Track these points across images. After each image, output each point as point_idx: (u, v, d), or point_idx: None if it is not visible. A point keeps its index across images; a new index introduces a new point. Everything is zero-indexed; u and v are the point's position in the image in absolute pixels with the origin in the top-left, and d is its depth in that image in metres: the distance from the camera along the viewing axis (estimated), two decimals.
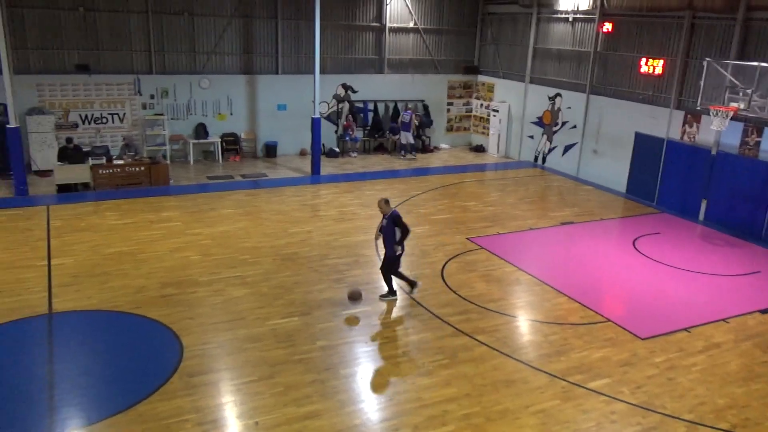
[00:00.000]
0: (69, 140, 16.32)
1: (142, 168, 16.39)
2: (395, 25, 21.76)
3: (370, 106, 21.92)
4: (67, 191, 15.55)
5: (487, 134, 22.81)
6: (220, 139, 19.63)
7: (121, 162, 16.37)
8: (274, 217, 14.29)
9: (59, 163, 15.71)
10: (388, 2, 21.36)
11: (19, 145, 15.03)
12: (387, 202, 10.06)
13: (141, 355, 8.43)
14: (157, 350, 8.55)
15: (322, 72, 17.95)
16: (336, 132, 21.53)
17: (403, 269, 10.41)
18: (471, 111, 23.77)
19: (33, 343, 8.61)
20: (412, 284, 10.33)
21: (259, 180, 17.68)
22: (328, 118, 21.13)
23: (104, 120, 18.31)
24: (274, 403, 7.39)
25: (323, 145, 20.15)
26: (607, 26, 17.72)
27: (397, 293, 10.38)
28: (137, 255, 11.76)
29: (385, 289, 10.32)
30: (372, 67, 21.84)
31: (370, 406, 7.48)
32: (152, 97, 18.76)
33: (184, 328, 9.06)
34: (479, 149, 22.96)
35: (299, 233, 13.27)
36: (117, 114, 18.43)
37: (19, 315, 9.25)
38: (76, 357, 8.29)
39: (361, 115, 21.77)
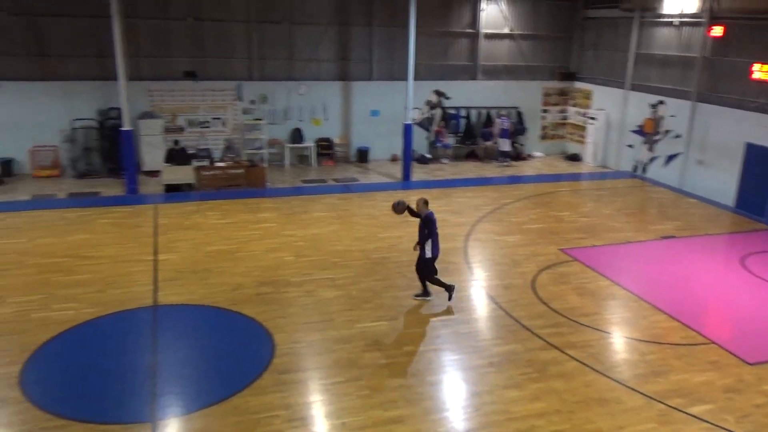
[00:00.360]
0: (176, 143, 17.31)
1: (242, 170, 17.10)
2: (489, 31, 21.56)
3: (463, 113, 21.82)
4: (174, 191, 16.47)
5: (584, 143, 22.12)
6: (314, 144, 20.19)
7: (222, 164, 17.16)
8: (365, 222, 14.50)
9: (166, 164, 16.69)
10: (482, 8, 21.21)
11: (131, 146, 16.11)
12: (426, 202, 10.18)
13: (236, 350, 8.78)
14: (251, 346, 8.87)
15: (415, 78, 18.05)
16: (428, 138, 21.59)
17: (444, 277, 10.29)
18: (567, 118, 23.15)
19: (139, 332, 9.16)
20: (426, 294, 10.36)
21: (351, 184, 18.01)
22: (420, 124, 21.22)
23: (208, 124, 19.27)
24: (360, 405, 7.49)
25: (414, 151, 20.24)
26: (717, 30, 16.75)
27: (431, 295, 10.46)
28: (235, 254, 12.27)
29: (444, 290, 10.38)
30: (465, 73, 21.74)
31: (456, 415, 7.42)
32: (252, 102, 19.55)
33: (277, 326, 9.35)
34: (575, 158, 22.30)
35: (389, 238, 13.38)
36: (219, 118, 19.35)
37: (127, 306, 9.89)
38: (177, 348, 8.75)
39: (454, 121, 21.71)
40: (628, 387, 8.04)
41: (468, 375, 8.29)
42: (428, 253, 10.05)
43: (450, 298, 10.28)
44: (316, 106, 20.22)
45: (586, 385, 8.05)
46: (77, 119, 17.75)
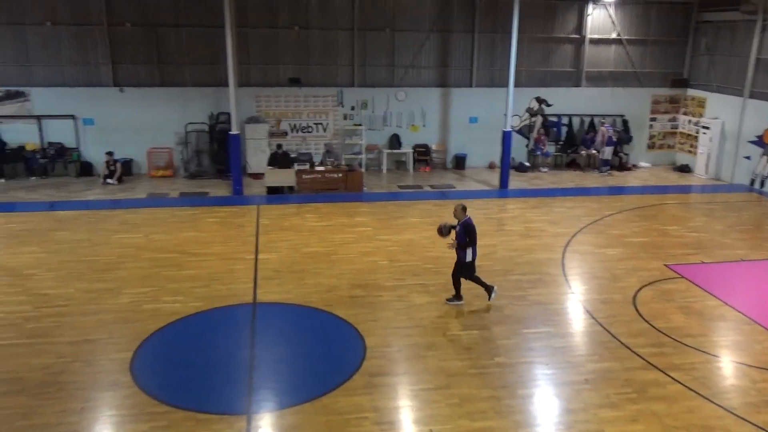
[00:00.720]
0: (279, 146, 17.99)
1: (340, 175, 17.50)
2: (596, 36, 20.87)
3: (564, 121, 21.23)
4: (275, 193, 17.13)
5: (695, 153, 20.90)
6: (412, 150, 20.33)
7: (321, 168, 17.65)
8: None
9: (269, 167, 17.38)
10: (589, 13, 20.57)
11: (238, 149, 16.92)
12: (464, 209, 10.19)
13: (328, 350, 8.99)
14: (343, 347, 9.05)
15: (516, 85, 17.78)
16: (527, 146, 21.18)
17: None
18: (677, 127, 21.97)
19: (239, 327, 9.58)
20: (488, 290, 10.34)
21: (446, 191, 17.98)
22: (520, 131, 20.86)
23: (310, 129, 19.90)
24: (449, 414, 7.45)
25: (513, 158, 19.92)
26: None
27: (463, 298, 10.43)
28: (331, 256, 12.57)
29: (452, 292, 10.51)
30: (568, 80, 21.16)
31: (547, 431, 7.22)
32: (353, 108, 19.99)
33: (369, 329, 9.48)
34: (684, 169, 21.11)
35: (483, 246, 13.10)
36: (321, 124, 19.93)
37: (229, 302, 10.38)
38: (273, 345, 9.07)
39: (554, 129, 21.17)
40: (738, 416, 7.50)
41: (561, 390, 8.04)
42: (468, 257, 10.14)
43: (490, 298, 10.35)
44: (414, 112, 20.37)
45: (689, 411, 7.60)
46: (190, 123, 18.85)
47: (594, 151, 20.72)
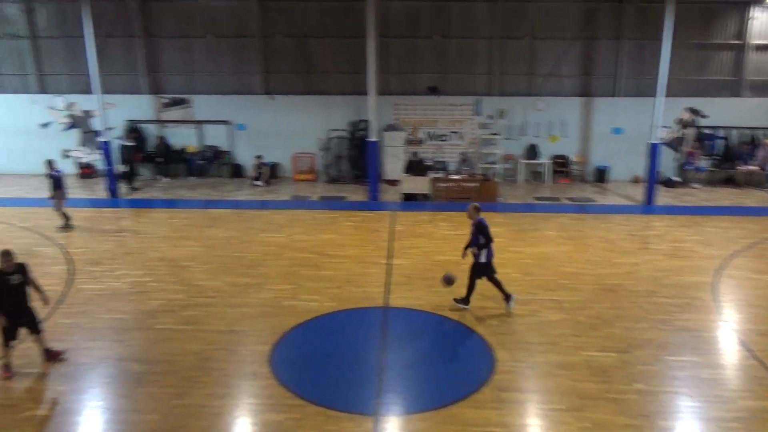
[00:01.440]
0: (415, 154, 18.26)
1: (475, 184, 17.42)
2: (760, 42, 19.13)
3: (721, 133, 19.64)
4: (410, 200, 17.40)
5: None
6: (550, 161, 19.78)
7: (456, 177, 17.67)
8: (599, 245, 13.80)
9: (405, 174, 17.69)
10: (753, 16, 18.89)
11: (376, 156, 17.39)
12: (477, 209, 10.11)
13: (458, 359, 8.96)
14: (472, 358, 8.98)
15: (666, 95, 16.74)
16: (677, 160, 19.84)
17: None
18: None
19: (370, 330, 9.83)
20: (507, 297, 10.27)
21: (586, 205, 17.28)
22: (669, 144, 19.59)
23: (446, 137, 20.00)
24: None
25: (660, 172, 18.73)
26: None
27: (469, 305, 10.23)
28: (462, 265, 12.37)
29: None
30: (726, 89, 19.58)
31: None
32: (490, 117, 19.83)
33: (499, 342, 9.33)
34: None
35: (625, 264, 12.57)
36: (457, 132, 19.96)
37: (362, 304, 10.68)
38: (403, 349, 9.19)
39: (709, 142, 19.64)
40: None
41: (708, 427, 7.42)
42: (483, 258, 10.00)
43: (508, 306, 10.30)
44: (553, 122, 19.83)
45: None
46: (332, 130, 19.66)
47: (755, 167, 18.96)
